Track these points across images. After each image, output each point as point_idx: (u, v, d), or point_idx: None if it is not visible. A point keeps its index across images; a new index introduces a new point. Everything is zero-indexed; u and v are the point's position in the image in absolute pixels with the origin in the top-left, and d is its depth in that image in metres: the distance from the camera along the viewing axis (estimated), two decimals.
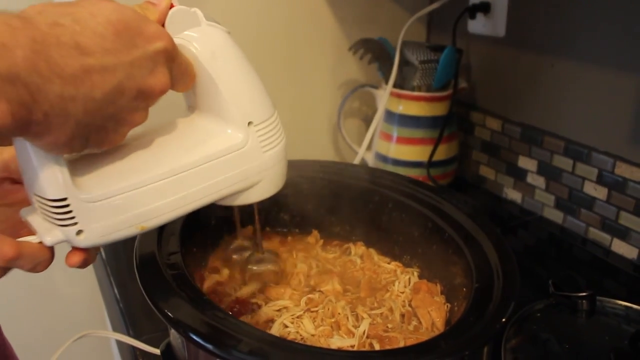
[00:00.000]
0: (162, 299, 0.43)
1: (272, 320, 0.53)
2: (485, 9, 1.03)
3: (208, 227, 0.65)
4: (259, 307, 0.56)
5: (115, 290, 0.79)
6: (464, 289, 0.51)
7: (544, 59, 0.96)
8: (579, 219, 0.94)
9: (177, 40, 0.44)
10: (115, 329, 0.78)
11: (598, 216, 0.91)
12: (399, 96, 1.01)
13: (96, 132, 0.40)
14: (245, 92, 0.49)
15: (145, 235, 0.53)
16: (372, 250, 0.66)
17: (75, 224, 0.42)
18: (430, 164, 1.01)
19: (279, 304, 0.56)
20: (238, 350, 0.38)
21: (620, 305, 0.70)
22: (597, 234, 0.91)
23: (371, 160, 1.08)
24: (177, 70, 0.43)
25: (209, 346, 0.38)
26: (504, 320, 0.42)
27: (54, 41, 0.34)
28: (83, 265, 0.44)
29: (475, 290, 0.47)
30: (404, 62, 1.01)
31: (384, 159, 1.04)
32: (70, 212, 0.42)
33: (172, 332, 0.49)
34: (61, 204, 0.41)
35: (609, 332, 0.67)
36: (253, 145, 0.49)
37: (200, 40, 0.47)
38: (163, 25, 0.46)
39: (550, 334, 0.65)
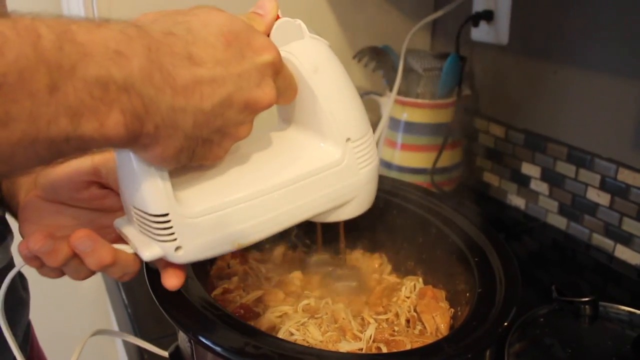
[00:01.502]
0: (171, 303, 0.44)
1: (273, 328, 0.54)
2: (488, 17, 1.04)
3: None
4: (262, 313, 0.57)
5: (123, 295, 0.80)
6: (467, 294, 0.52)
7: (546, 66, 0.97)
8: (583, 225, 0.95)
9: (282, 53, 0.43)
10: (122, 332, 0.79)
11: (601, 222, 0.91)
12: (403, 103, 1.02)
13: (202, 145, 0.39)
14: (345, 107, 0.48)
15: None
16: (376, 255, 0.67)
17: (175, 239, 0.41)
18: (435, 170, 1.02)
19: (279, 310, 0.57)
20: (247, 352, 0.39)
21: (624, 310, 0.71)
22: (600, 240, 0.92)
23: None
24: (282, 83, 0.42)
25: (218, 349, 0.39)
26: (506, 324, 0.43)
27: (167, 50, 0.34)
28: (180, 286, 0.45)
29: (478, 295, 0.48)
30: (408, 70, 1.02)
31: (388, 165, 1.05)
32: (170, 227, 0.41)
33: (181, 335, 0.50)
34: (163, 219, 0.40)
35: (612, 337, 0.68)
36: (350, 163, 0.48)
37: (304, 53, 0.46)
38: (268, 37, 0.45)
39: (554, 339, 0.66)
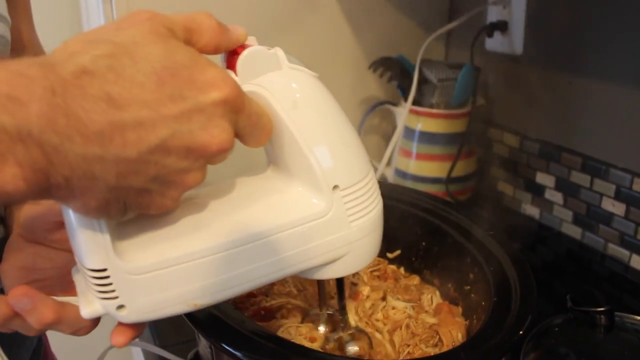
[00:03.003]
0: None
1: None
2: (502, 27, 1.05)
3: None
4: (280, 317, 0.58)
5: None
6: (483, 303, 0.53)
7: (561, 76, 0.97)
8: (598, 235, 0.95)
9: (251, 87, 0.39)
10: (141, 340, 0.80)
11: (617, 232, 0.91)
12: (418, 113, 1.03)
13: (136, 196, 0.34)
14: (332, 150, 0.41)
15: None
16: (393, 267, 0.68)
17: (116, 297, 0.37)
18: (449, 180, 1.02)
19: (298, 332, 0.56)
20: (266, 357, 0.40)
21: None
22: (615, 250, 0.92)
23: (391, 176, 1.09)
24: (245, 122, 0.36)
25: (238, 354, 0.40)
26: (521, 332, 0.43)
27: (78, 92, 0.29)
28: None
29: (494, 304, 0.48)
30: (423, 80, 1.03)
31: (403, 175, 1.06)
32: (110, 284, 0.37)
33: (201, 341, 0.51)
34: (100, 275, 0.36)
35: (628, 347, 0.68)
36: (338, 214, 0.41)
37: (280, 86, 0.40)
38: (234, 68, 0.40)
39: (569, 349, 0.66)
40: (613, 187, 0.91)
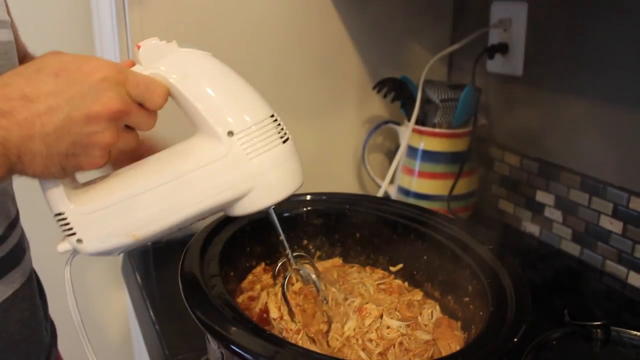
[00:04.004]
0: (204, 313, 0.48)
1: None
2: (503, 49, 1.08)
3: (244, 254, 0.70)
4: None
5: (151, 313, 0.84)
6: (481, 313, 0.55)
7: (560, 97, 1.00)
8: (596, 252, 0.97)
9: (150, 70, 0.50)
10: (150, 351, 0.83)
11: (614, 249, 0.94)
12: (421, 132, 1.06)
13: (68, 158, 0.47)
14: (223, 104, 0.52)
15: (188, 260, 0.58)
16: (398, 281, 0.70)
17: (74, 233, 0.52)
18: (451, 197, 1.05)
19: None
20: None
21: (636, 335, 0.73)
22: (613, 267, 0.94)
23: (394, 194, 1.12)
24: (135, 90, 0.48)
25: (249, 356, 0.43)
26: (516, 340, 0.45)
27: (4, 98, 0.44)
28: None
29: (491, 313, 0.51)
30: (426, 100, 1.06)
31: (406, 192, 1.08)
32: (68, 223, 0.51)
33: (210, 346, 0.54)
34: (60, 217, 0.52)
35: (623, 356, 0.70)
36: (236, 153, 0.51)
37: (169, 65, 0.51)
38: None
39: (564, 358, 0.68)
40: (611, 205, 0.93)
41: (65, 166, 0.48)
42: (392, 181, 1.12)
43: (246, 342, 0.44)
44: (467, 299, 0.59)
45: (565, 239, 1.03)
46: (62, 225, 0.52)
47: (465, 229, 0.66)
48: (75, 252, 0.55)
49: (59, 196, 0.51)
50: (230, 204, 0.54)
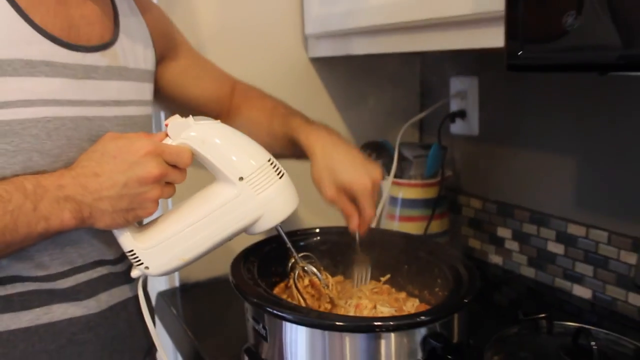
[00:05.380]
0: (255, 296, 0.69)
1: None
2: (462, 115, 1.34)
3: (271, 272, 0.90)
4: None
5: (190, 334, 1.03)
6: (446, 294, 0.76)
7: (509, 150, 1.25)
8: (547, 272, 1.19)
9: (178, 141, 0.69)
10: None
11: (560, 268, 1.16)
12: (399, 184, 1.29)
13: (127, 212, 0.67)
14: (232, 159, 0.71)
15: (235, 271, 0.79)
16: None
17: (142, 263, 0.72)
18: (426, 236, 1.27)
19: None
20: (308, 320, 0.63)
21: (573, 325, 0.94)
22: (561, 282, 1.16)
23: None
24: (169, 158, 0.68)
25: (289, 317, 0.63)
26: (466, 300, 0.67)
27: (82, 175, 0.65)
28: None
29: (450, 290, 0.72)
30: (402, 158, 1.30)
31: None
32: (137, 257, 0.72)
33: (252, 327, 0.74)
34: (131, 253, 0.72)
35: (563, 345, 0.90)
36: (246, 193, 0.70)
37: (190, 135, 0.70)
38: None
39: (520, 348, 0.89)
40: (554, 232, 1.16)
41: (127, 218, 0.68)
42: (378, 225, 1.34)
43: (284, 310, 0.65)
44: (437, 289, 0.80)
45: (522, 265, 1.24)
46: (132, 258, 0.73)
47: (432, 243, 0.88)
48: (144, 276, 0.76)
49: (127, 238, 0.72)
50: (247, 227, 0.74)
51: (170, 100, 0.97)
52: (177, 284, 1.23)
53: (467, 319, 0.72)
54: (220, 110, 1.01)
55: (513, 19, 0.66)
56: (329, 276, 0.86)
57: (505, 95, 1.25)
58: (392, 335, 0.65)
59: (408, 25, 0.94)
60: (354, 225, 0.85)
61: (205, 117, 0.73)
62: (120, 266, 0.78)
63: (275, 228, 0.77)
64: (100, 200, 0.65)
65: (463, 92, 1.33)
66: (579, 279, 1.12)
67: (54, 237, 0.68)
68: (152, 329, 0.79)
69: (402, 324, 0.65)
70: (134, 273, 0.75)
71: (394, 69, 1.43)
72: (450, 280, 0.76)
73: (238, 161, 0.71)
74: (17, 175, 0.64)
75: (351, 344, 0.66)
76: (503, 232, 1.28)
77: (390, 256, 0.90)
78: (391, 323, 0.65)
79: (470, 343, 0.77)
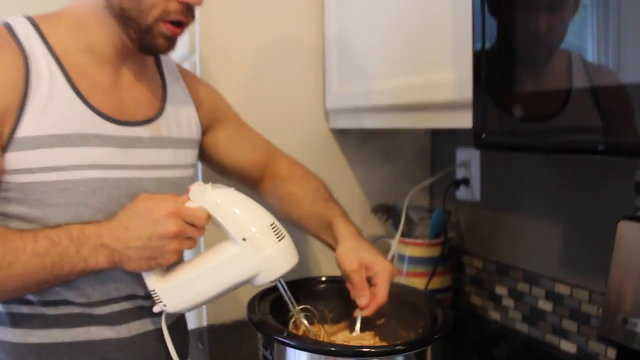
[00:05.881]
0: (267, 329, 0.84)
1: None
2: (466, 182, 1.49)
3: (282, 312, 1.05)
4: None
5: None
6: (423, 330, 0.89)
7: (506, 215, 1.39)
8: (538, 328, 1.30)
9: (197, 203, 0.83)
10: None
11: (549, 324, 1.27)
12: (407, 243, 1.44)
13: (150, 260, 0.82)
14: (237, 221, 0.84)
15: (251, 310, 0.94)
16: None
17: (161, 301, 0.87)
18: (432, 291, 1.40)
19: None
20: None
21: None
22: (550, 338, 1.27)
23: None
24: (187, 218, 0.82)
25: (293, 343, 0.78)
26: (436, 336, 0.80)
27: (116, 227, 0.82)
28: None
29: (428, 329, 0.86)
30: (409, 220, 1.45)
31: None
32: (158, 295, 0.87)
33: (261, 354, 0.88)
34: (153, 292, 0.87)
35: None
36: (248, 252, 0.83)
37: (206, 200, 0.84)
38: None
39: None
40: (543, 291, 1.28)
41: (150, 264, 0.83)
42: None
43: (288, 338, 0.80)
44: (420, 330, 0.93)
45: (517, 321, 1.36)
46: (154, 296, 0.88)
47: (418, 291, 1.02)
48: (163, 312, 0.90)
49: (151, 279, 0.87)
50: (250, 280, 0.86)
51: (214, 163, 1.15)
52: (205, 324, 1.39)
53: (440, 353, 0.85)
54: (257, 176, 1.18)
55: (478, 108, 0.83)
56: (322, 328, 0.99)
57: (503, 167, 1.40)
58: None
59: (406, 107, 1.12)
60: (364, 302, 0.92)
61: (223, 185, 0.87)
62: (150, 301, 0.92)
63: (277, 282, 0.90)
64: (128, 249, 0.81)
65: (467, 162, 1.49)
66: (565, 334, 1.23)
67: (97, 273, 0.85)
68: (175, 357, 0.93)
69: (382, 351, 0.79)
70: (155, 309, 0.89)
71: (406, 139, 1.61)
72: (429, 322, 0.89)
73: (242, 224, 0.84)
74: (67, 224, 0.82)
75: None
76: (500, 290, 1.40)
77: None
78: (373, 350, 0.79)
79: None
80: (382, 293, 0.92)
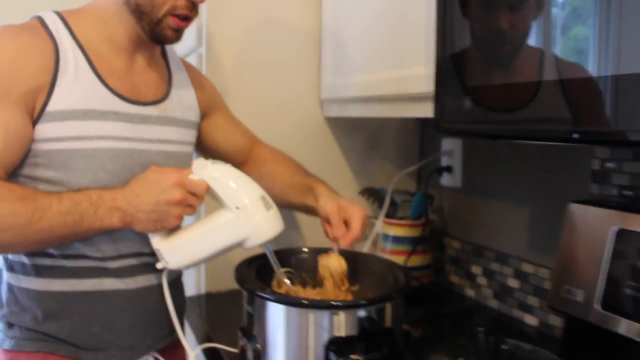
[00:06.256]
0: (250, 285, 0.97)
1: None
2: (449, 169, 1.61)
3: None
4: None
5: (207, 326, 1.30)
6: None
7: (482, 200, 1.50)
8: (506, 304, 1.42)
9: (199, 176, 0.96)
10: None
11: (516, 300, 1.39)
12: (390, 224, 1.56)
13: (156, 222, 0.95)
14: (232, 192, 0.97)
15: (240, 272, 1.07)
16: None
17: (164, 258, 1.01)
18: (412, 268, 1.52)
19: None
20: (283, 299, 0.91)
21: (511, 341, 1.17)
22: (516, 312, 1.38)
23: None
24: (190, 188, 0.95)
25: (269, 296, 0.91)
26: (395, 296, 0.93)
27: (129, 194, 0.95)
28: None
29: (390, 290, 0.98)
30: (393, 203, 1.57)
31: None
32: (161, 254, 1.01)
33: (245, 310, 1.02)
34: (157, 250, 1.01)
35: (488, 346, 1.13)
36: (240, 219, 0.96)
37: (206, 174, 0.97)
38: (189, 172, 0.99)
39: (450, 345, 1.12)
40: (512, 270, 1.40)
41: (156, 227, 0.97)
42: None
43: (268, 293, 0.93)
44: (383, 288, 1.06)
45: (489, 298, 1.48)
46: (158, 254, 1.02)
47: (389, 262, 1.15)
48: (165, 268, 1.04)
49: (156, 240, 1.01)
50: (241, 243, 0.99)
51: (204, 147, 1.29)
52: (203, 292, 1.52)
53: (400, 311, 0.97)
54: (241, 159, 1.32)
55: (438, 99, 0.95)
56: (302, 289, 1.12)
57: (483, 156, 1.51)
58: (342, 312, 0.91)
59: (384, 98, 1.24)
60: (339, 235, 1.07)
61: (221, 162, 1.01)
62: (154, 259, 1.06)
63: (263, 246, 1.03)
64: (138, 212, 0.95)
65: (451, 150, 1.60)
66: (529, 309, 1.35)
67: (110, 232, 0.99)
68: (172, 310, 1.06)
69: (347, 304, 0.92)
70: (158, 265, 1.03)
71: (396, 128, 1.73)
72: (391, 284, 1.02)
73: (236, 195, 0.98)
74: (88, 189, 0.96)
75: (314, 317, 0.92)
76: (476, 270, 1.52)
77: (359, 271, 1.16)
78: (340, 304, 0.92)
79: (410, 332, 1.01)
80: (355, 229, 1.07)
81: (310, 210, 1.18)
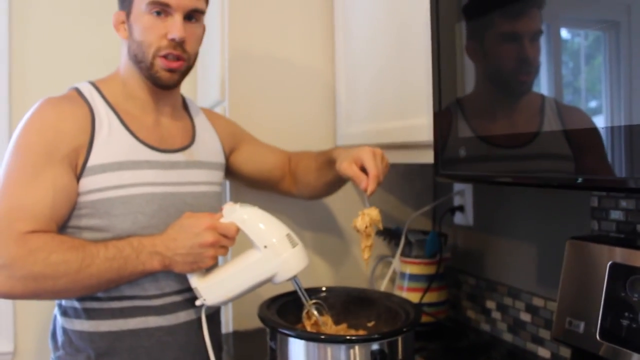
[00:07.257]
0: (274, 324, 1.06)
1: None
2: (461, 209, 1.68)
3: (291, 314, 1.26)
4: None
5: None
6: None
7: (494, 238, 1.58)
8: (520, 337, 1.47)
9: (229, 219, 1.07)
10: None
11: (528, 333, 1.44)
12: (406, 262, 1.63)
13: (192, 264, 1.05)
14: (260, 232, 1.07)
15: (261, 312, 1.16)
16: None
17: (202, 296, 1.11)
18: (428, 304, 1.59)
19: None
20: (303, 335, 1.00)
21: None
22: (530, 346, 1.44)
23: None
24: (221, 230, 1.06)
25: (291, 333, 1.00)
26: (405, 329, 1.00)
27: (167, 239, 1.07)
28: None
29: (404, 324, 1.06)
30: (408, 242, 1.65)
31: None
32: (199, 292, 1.11)
33: (268, 345, 1.10)
34: (195, 288, 1.11)
35: None
36: (267, 256, 1.06)
37: (236, 217, 1.07)
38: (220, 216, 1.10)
39: None
40: (523, 304, 1.46)
41: (193, 268, 1.08)
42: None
43: (288, 329, 1.02)
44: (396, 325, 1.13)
45: (504, 332, 1.53)
46: (196, 292, 1.12)
47: (404, 302, 1.22)
48: (204, 305, 1.13)
49: (194, 279, 1.11)
50: (271, 278, 1.09)
51: (242, 176, 1.43)
52: (231, 330, 1.61)
53: (411, 344, 1.05)
54: (282, 174, 1.47)
55: (436, 147, 1.04)
56: (330, 319, 1.21)
57: (492, 196, 1.59)
58: (357, 346, 1.00)
59: (392, 146, 1.34)
60: (364, 185, 1.12)
61: (249, 205, 1.13)
62: (194, 295, 1.15)
63: (292, 281, 1.12)
64: (176, 255, 1.06)
65: (462, 191, 1.68)
66: (541, 342, 1.40)
67: (152, 274, 1.10)
68: (208, 342, 1.16)
69: (361, 338, 1.01)
70: (197, 302, 1.13)
71: (411, 171, 1.82)
72: (403, 319, 1.10)
73: (264, 235, 1.09)
74: (129, 236, 1.07)
75: (331, 351, 1.01)
76: (490, 305, 1.58)
77: (374, 308, 1.24)
78: (354, 338, 1.01)
79: None
80: (372, 171, 1.12)
81: (341, 178, 1.28)
